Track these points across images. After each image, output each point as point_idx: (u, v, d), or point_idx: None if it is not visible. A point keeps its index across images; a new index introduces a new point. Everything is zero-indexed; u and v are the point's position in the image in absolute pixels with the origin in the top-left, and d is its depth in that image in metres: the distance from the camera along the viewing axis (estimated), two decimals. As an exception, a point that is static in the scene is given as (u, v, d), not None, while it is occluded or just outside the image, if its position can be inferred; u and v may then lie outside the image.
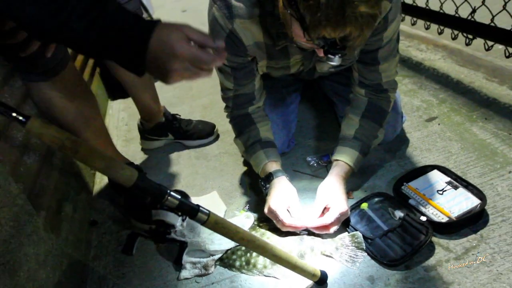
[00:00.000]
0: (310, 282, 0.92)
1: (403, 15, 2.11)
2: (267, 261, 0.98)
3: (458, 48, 1.84)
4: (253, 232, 1.07)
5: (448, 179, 1.10)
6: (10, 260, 0.76)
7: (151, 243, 1.14)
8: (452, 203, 1.02)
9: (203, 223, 0.72)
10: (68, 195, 1.18)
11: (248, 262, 1.00)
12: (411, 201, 1.07)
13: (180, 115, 1.62)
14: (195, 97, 2.01)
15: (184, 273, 1.01)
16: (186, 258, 1.04)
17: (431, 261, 0.93)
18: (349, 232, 1.03)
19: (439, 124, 1.39)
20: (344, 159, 1.10)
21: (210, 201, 1.26)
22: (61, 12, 0.55)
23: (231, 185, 1.32)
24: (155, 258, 1.10)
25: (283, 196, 1.04)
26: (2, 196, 0.78)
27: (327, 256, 0.99)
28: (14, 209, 0.81)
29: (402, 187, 1.12)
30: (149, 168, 1.49)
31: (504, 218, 0.99)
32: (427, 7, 1.89)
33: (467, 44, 1.70)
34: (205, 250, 1.04)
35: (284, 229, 1.02)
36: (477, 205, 1.00)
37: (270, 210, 1.02)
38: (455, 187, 1.07)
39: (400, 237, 0.99)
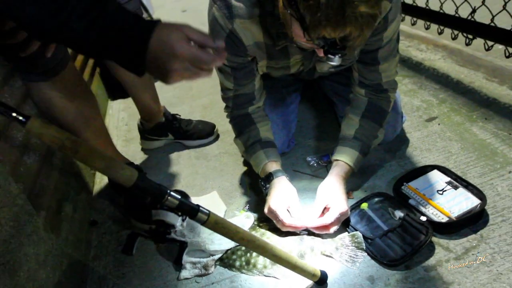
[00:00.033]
0: (310, 282, 0.92)
1: (403, 15, 2.12)
2: (267, 261, 0.98)
3: (458, 48, 1.84)
4: (253, 232, 1.07)
5: (448, 179, 1.10)
6: (10, 260, 0.76)
7: (151, 243, 1.14)
8: (452, 203, 1.02)
9: (203, 223, 0.72)
10: (68, 195, 1.18)
11: (248, 262, 1.00)
12: (411, 201, 1.07)
13: (180, 115, 1.62)
14: (195, 97, 2.01)
15: (184, 273, 1.01)
16: (186, 258, 1.04)
17: (431, 261, 0.93)
18: (349, 232, 1.03)
19: (439, 124, 1.39)
20: (344, 159, 1.10)
21: (210, 201, 1.26)
22: (61, 12, 0.55)
23: (231, 185, 1.32)
24: (155, 258, 1.10)
25: (283, 196, 1.04)
26: (2, 196, 0.78)
27: (327, 256, 0.99)
28: (14, 209, 0.81)
29: (402, 187, 1.12)
30: (149, 168, 1.49)
31: (504, 218, 0.99)
32: (427, 7, 1.89)
33: (467, 44, 1.70)
34: (205, 250, 1.04)
35: (284, 229, 1.02)
36: (477, 205, 1.00)
37: (270, 210, 1.02)
38: (455, 187, 1.07)
39: (400, 237, 0.99)
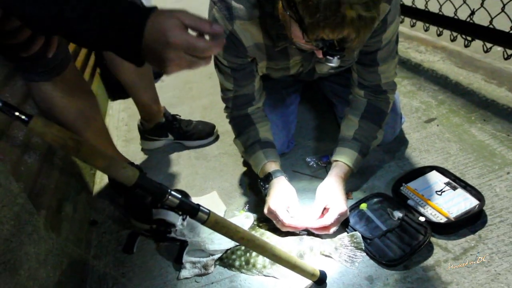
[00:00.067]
0: (309, 282, 0.92)
1: (402, 17, 2.12)
2: (267, 261, 0.98)
3: (457, 50, 1.85)
4: (253, 232, 1.07)
5: (446, 180, 1.11)
6: (11, 259, 0.76)
7: (151, 243, 1.15)
8: (450, 203, 1.03)
9: (204, 223, 0.72)
10: (68, 194, 1.18)
11: (247, 262, 1.00)
12: (410, 202, 1.08)
13: (180, 116, 1.62)
14: (195, 97, 2.02)
15: (184, 273, 1.02)
16: (186, 257, 1.04)
17: (430, 261, 0.94)
18: (348, 232, 1.03)
19: (438, 125, 1.40)
20: (343, 159, 1.11)
21: (209, 201, 1.26)
22: (55, 2, 0.54)
23: (231, 186, 1.33)
24: (155, 257, 1.10)
25: (282, 196, 1.05)
26: (3, 195, 0.79)
27: (326, 256, 0.99)
28: (15, 208, 0.82)
29: (401, 187, 1.13)
30: (149, 169, 1.50)
31: (502, 219, 1.00)
32: (427, 9, 1.90)
33: (466, 46, 1.71)
34: (205, 250, 1.04)
35: (284, 229, 1.03)
36: (476, 205, 1.01)
37: (270, 210, 1.03)
38: (454, 188, 1.07)
39: (399, 237, 0.99)
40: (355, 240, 0.99)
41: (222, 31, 0.59)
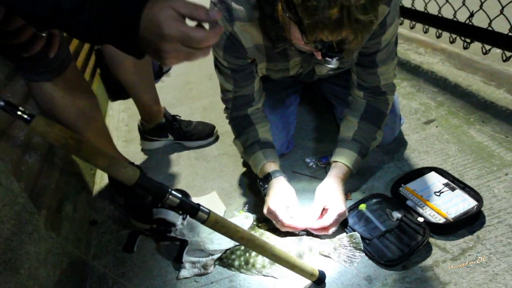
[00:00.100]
0: (308, 282, 0.92)
1: (402, 18, 2.13)
2: (266, 260, 0.98)
3: (456, 52, 1.86)
4: (252, 232, 1.07)
5: (445, 180, 1.11)
6: (11, 258, 0.76)
7: (151, 242, 1.15)
8: (449, 204, 1.03)
9: (204, 222, 0.73)
10: (68, 194, 1.19)
11: (247, 262, 1.01)
12: (408, 202, 1.08)
13: (180, 116, 1.63)
14: (195, 98, 2.02)
15: (184, 273, 1.02)
16: (185, 257, 1.05)
17: (428, 261, 0.94)
18: (347, 233, 1.04)
19: (437, 127, 1.40)
20: (342, 160, 1.11)
21: (209, 201, 1.26)
22: None
23: (231, 186, 1.33)
24: (154, 257, 1.11)
25: (281, 196, 1.05)
26: (4, 194, 0.79)
27: (325, 256, 1.00)
28: (16, 207, 0.82)
29: (400, 188, 1.13)
30: (149, 169, 1.50)
31: (500, 220, 1.00)
32: (426, 11, 1.91)
33: (465, 48, 1.72)
34: (205, 250, 1.04)
35: (283, 229, 1.03)
36: (474, 206, 1.01)
37: (269, 210, 1.03)
38: (452, 189, 1.08)
39: (397, 237, 1.00)
40: (354, 241, 1.00)
41: (220, 17, 0.57)
